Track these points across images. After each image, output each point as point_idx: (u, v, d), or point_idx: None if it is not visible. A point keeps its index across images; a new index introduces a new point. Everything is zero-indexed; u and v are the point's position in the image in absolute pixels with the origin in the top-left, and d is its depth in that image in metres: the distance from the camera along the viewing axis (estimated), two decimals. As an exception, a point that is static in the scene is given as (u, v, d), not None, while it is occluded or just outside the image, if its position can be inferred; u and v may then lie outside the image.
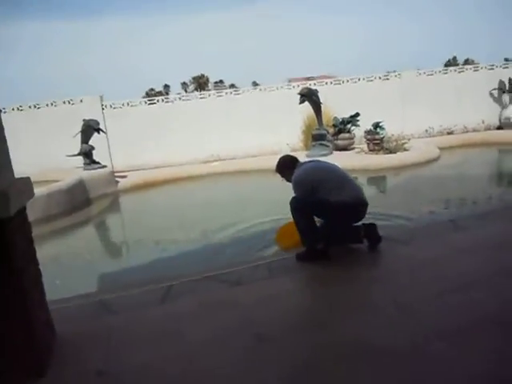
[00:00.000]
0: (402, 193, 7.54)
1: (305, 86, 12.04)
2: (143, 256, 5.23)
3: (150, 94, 75.77)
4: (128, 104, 12.50)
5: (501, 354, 2.25)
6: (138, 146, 12.29)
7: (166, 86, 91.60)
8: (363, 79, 13.04)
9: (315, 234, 3.73)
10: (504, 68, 13.29)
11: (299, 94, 10.69)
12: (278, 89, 13.07)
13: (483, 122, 13.18)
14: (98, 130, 10.18)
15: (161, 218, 7.16)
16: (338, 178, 3.80)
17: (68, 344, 2.68)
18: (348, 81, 13.03)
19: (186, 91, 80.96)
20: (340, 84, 13.00)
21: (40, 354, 2.35)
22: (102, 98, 12.34)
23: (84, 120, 10.22)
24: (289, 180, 3.98)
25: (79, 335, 2.78)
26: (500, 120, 13.03)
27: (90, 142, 10.31)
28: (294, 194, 3.81)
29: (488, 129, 13.11)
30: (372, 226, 3.88)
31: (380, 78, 13.20)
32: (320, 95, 11.01)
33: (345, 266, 3.60)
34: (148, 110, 12.56)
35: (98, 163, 10.21)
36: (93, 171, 9.68)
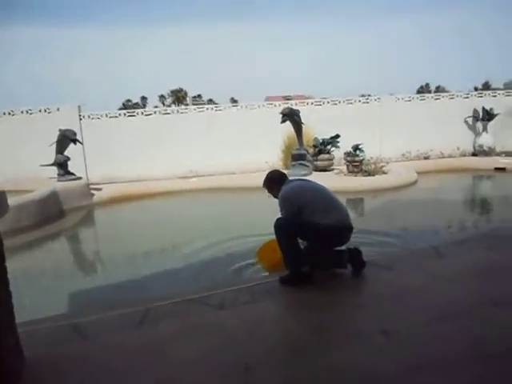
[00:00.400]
0: (380, 215, 7.57)
1: (287, 105, 12.10)
2: (118, 275, 5.01)
3: (127, 106, 75.10)
4: (107, 115, 12.28)
5: (491, 388, 2.21)
6: (114, 159, 12.05)
7: (144, 98, 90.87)
8: (343, 101, 13.22)
9: (299, 256, 3.66)
10: (478, 97, 13.73)
11: (281, 113, 10.73)
12: (259, 107, 13.11)
13: (458, 149, 13.51)
14: (75, 141, 9.93)
15: (137, 234, 6.95)
16: (325, 201, 3.74)
17: (38, 372, 2.49)
18: (329, 102, 13.18)
19: (163, 104, 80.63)
20: (321, 105, 13.13)
21: (8, 382, 2.16)
22: (80, 107, 12.09)
23: (60, 130, 9.96)
24: (275, 196, 3.92)
25: (50, 362, 2.60)
26: (474, 147, 13.38)
27: (66, 153, 10.04)
28: (277, 213, 3.75)
29: (463, 155, 13.44)
30: (356, 252, 3.83)
31: (360, 101, 13.42)
32: (301, 115, 11.09)
33: (329, 291, 3.53)
34: (127, 122, 12.36)
35: (73, 174, 9.93)
36: (67, 182, 9.40)
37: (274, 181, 4.01)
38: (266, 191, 4.10)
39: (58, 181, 9.64)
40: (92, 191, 9.71)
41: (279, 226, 3.64)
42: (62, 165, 9.90)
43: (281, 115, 10.81)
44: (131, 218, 8.48)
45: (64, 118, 11.49)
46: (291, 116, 10.76)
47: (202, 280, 4.59)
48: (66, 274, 5.40)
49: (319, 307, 3.28)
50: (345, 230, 3.71)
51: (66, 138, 9.89)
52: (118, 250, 6.12)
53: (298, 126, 11.01)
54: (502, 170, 11.33)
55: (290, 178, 4.16)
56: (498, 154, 12.96)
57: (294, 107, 11.82)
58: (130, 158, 12.13)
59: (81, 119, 11.95)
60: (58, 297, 4.33)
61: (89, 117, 12.09)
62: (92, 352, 2.71)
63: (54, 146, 9.93)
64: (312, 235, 3.66)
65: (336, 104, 13.18)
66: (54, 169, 10.01)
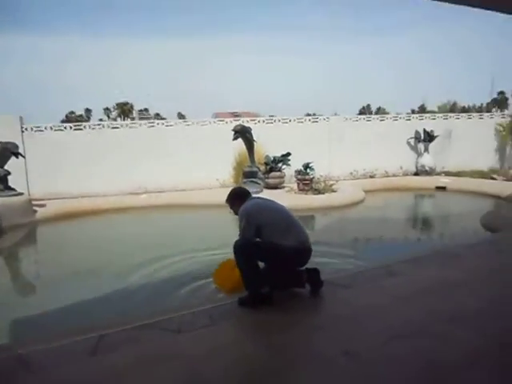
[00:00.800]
0: (332, 232, 7.69)
1: (238, 122, 12.13)
2: (64, 299, 4.66)
3: (71, 118, 72.60)
4: (51, 128, 11.73)
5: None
6: (59, 174, 11.50)
7: (88, 111, 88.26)
8: (294, 120, 13.45)
9: (259, 278, 3.61)
10: (419, 119, 14.45)
11: (233, 130, 10.74)
12: (210, 123, 13.05)
13: (401, 168, 14.09)
14: (17, 154, 9.37)
15: (83, 254, 6.58)
16: (285, 221, 3.73)
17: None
18: (279, 120, 13.37)
19: (108, 117, 78.68)
20: (272, 123, 13.29)
21: None
22: (22, 119, 11.47)
23: (0, 142, 9.37)
24: (236, 212, 3.93)
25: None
26: (416, 167, 14.02)
27: (6, 167, 9.45)
28: (227, 229, 3.75)
29: (406, 174, 14.02)
30: (314, 271, 3.83)
31: (310, 120, 13.73)
32: (252, 133, 11.16)
33: (288, 312, 3.49)
34: (73, 136, 11.87)
35: (14, 190, 9.32)
36: (7, 198, 8.79)
37: (238, 197, 4.01)
38: (228, 207, 4.08)
39: (-3, 196, 9.03)
40: (35, 208, 9.17)
41: (238, 246, 3.58)
42: (1, 179, 9.25)
43: (232, 132, 10.82)
44: (77, 237, 8.07)
45: (4, 130, 10.85)
46: (243, 133, 10.80)
47: (155, 303, 4.40)
48: (5, 298, 4.99)
49: (279, 329, 3.23)
50: (305, 251, 3.71)
51: (7, 151, 9.30)
52: (63, 271, 5.75)
53: (249, 143, 11.05)
54: (443, 188, 11.92)
55: (254, 195, 4.18)
56: (439, 174, 13.66)
57: (246, 124, 11.86)
58: (75, 173, 11.62)
59: (23, 131, 11.35)
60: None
61: (31, 129, 11.49)
62: (39, 388, 2.49)
63: (-7, 159, 9.32)
64: (271, 257, 3.63)
65: (287, 122, 13.39)
66: (-8, 184, 9.37)
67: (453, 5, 4.68)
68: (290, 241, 3.59)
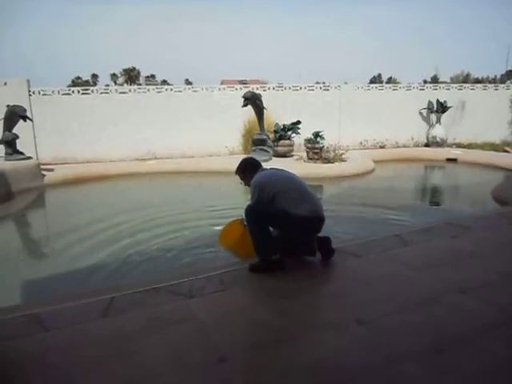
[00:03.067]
0: (342, 200, 7.65)
1: (248, 89, 11.93)
2: (75, 262, 4.74)
3: (77, 83, 71.84)
4: (59, 92, 11.61)
5: (467, 372, 2.25)
6: (67, 138, 11.49)
7: (94, 76, 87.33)
8: (304, 88, 13.21)
9: (271, 244, 3.60)
10: (433, 90, 14.12)
11: (243, 97, 10.56)
12: (219, 89, 12.86)
13: (412, 139, 13.90)
14: (25, 118, 9.32)
15: (92, 219, 6.59)
16: (298, 191, 3.68)
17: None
18: (290, 88, 13.13)
19: (115, 83, 77.79)
20: (282, 90, 13.06)
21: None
22: (29, 82, 11.35)
23: (8, 106, 9.31)
24: (247, 183, 3.88)
25: (8, 357, 2.40)
26: (427, 138, 13.82)
27: (14, 130, 9.42)
28: (236, 198, 3.71)
29: (416, 145, 13.85)
30: (326, 240, 3.81)
31: (321, 88, 13.46)
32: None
33: (300, 279, 3.49)
34: (81, 100, 11.76)
35: (22, 154, 9.34)
36: (16, 162, 8.83)
37: (248, 168, 3.93)
38: (239, 178, 4.02)
39: (6, 160, 9.05)
40: (43, 172, 9.18)
41: (250, 211, 3.56)
42: (10, 143, 9.28)
43: (242, 99, 10.66)
44: (86, 202, 8.09)
45: (12, 94, 10.77)
46: (253, 100, 10.63)
47: (167, 267, 4.44)
48: (18, 261, 5.06)
49: (290, 295, 3.24)
50: (317, 220, 3.67)
51: (15, 115, 9.26)
52: (73, 235, 5.80)
53: (259, 110, 10.89)
54: (454, 160, 11.77)
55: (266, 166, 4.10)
56: (450, 146, 13.48)
57: (256, 91, 11.67)
58: (83, 138, 11.60)
59: (30, 95, 11.25)
60: (11, 285, 4.05)
61: (39, 93, 11.38)
62: (54, 346, 2.53)
63: (1, 122, 9.28)
64: (284, 224, 3.61)
65: (297, 90, 13.15)
66: (1, 147, 9.39)
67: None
68: (303, 210, 3.55)
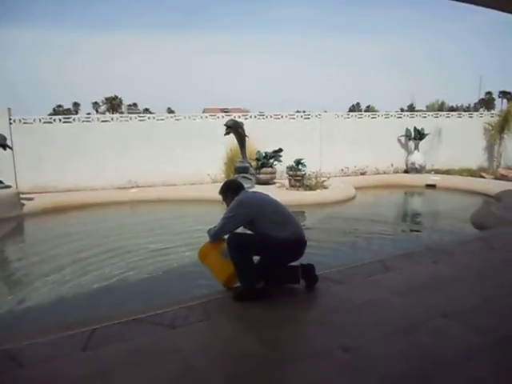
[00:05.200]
0: (324, 227, 7.67)
1: (230, 117, 12.05)
2: (53, 294, 4.60)
3: (58, 111, 71.66)
4: (40, 120, 11.55)
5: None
6: (48, 167, 11.36)
7: (76, 104, 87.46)
8: (286, 116, 13.42)
9: (254, 272, 3.57)
10: (410, 117, 14.52)
11: (225, 125, 10.65)
12: (201, 118, 12.97)
13: (392, 165, 14.15)
14: (5, 146, 9.21)
15: (72, 249, 6.47)
16: (282, 214, 3.71)
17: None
18: (271, 116, 13.32)
19: (97, 111, 77.92)
20: (264, 119, 13.24)
21: None
22: (9, 110, 11.26)
23: (-13, 134, 9.20)
24: (228, 204, 3.83)
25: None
26: (406, 164, 14.09)
27: (-7, 159, 9.30)
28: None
29: (396, 172, 14.10)
30: (310, 267, 3.80)
31: (301, 116, 13.72)
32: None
33: (283, 307, 3.45)
34: (62, 129, 11.69)
35: (1, 182, 9.16)
36: (-6, 191, 8.66)
37: (230, 189, 3.92)
38: (221, 198, 4.01)
39: (-16, 189, 8.86)
40: (22, 201, 9.00)
41: (233, 238, 3.55)
42: (-12, 172, 9.14)
43: (224, 127, 10.74)
44: (65, 231, 7.92)
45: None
46: (235, 128, 10.72)
47: (147, 298, 4.35)
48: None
49: (275, 324, 3.20)
50: (300, 243, 3.68)
51: (-5, 143, 9.15)
52: (51, 266, 5.65)
53: (241, 138, 10.98)
54: (433, 186, 11.99)
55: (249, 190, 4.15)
56: (428, 172, 13.75)
57: (238, 119, 11.80)
58: (64, 167, 11.48)
59: (11, 123, 11.14)
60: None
61: (20, 121, 11.29)
62: (30, 383, 2.43)
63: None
64: (267, 248, 3.58)
65: (278, 118, 13.35)
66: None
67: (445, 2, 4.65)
68: (286, 232, 3.56)
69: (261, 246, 3.59)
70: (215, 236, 3.73)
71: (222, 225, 3.66)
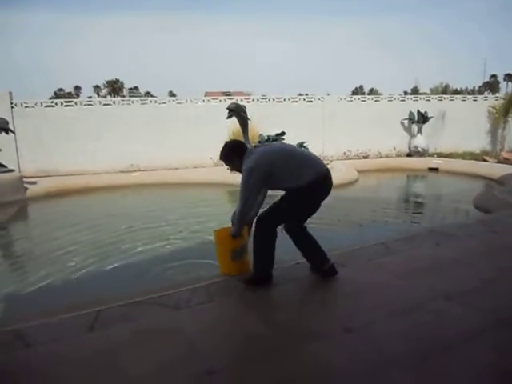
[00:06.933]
0: (327, 210, 7.67)
1: (232, 101, 11.98)
2: (58, 276, 4.64)
3: (59, 95, 71.44)
4: (42, 104, 11.52)
5: (454, 378, 2.27)
6: (50, 151, 11.37)
7: (77, 88, 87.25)
8: (288, 99, 13.34)
9: (272, 260, 3.48)
10: (414, 101, 14.39)
11: (227, 108, 10.57)
12: (204, 101, 12.91)
13: (395, 149, 14.09)
14: (7, 130, 9.20)
15: (76, 232, 6.51)
16: (298, 157, 3.41)
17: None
18: (274, 99, 13.24)
19: (98, 95, 77.66)
20: (266, 102, 13.16)
21: None
22: (11, 94, 11.22)
23: (-11, 118, 9.18)
24: (237, 168, 3.42)
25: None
26: (409, 148, 14.04)
27: (-4, 143, 9.29)
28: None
29: (399, 155, 14.04)
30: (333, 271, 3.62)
31: (304, 100, 13.62)
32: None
33: (287, 289, 3.49)
34: (64, 112, 11.66)
35: (4, 166, 9.18)
36: (-3, 175, 8.68)
37: (235, 151, 3.45)
38: (225, 164, 3.57)
39: (-13, 173, 8.89)
40: (25, 185, 9.03)
41: (264, 223, 3.35)
42: (-9, 156, 9.14)
43: (227, 110, 10.68)
44: (69, 214, 7.96)
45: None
46: (238, 111, 10.64)
47: (152, 279, 4.39)
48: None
49: (278, 306, 3.25)
50: (327, 178, 3.42)
51: (-3, 127, 9.14)
52: (56, 249, 5.69)
53: (244, 121, 10.89)
54: (435, 170, 11.96)
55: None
56: (431, 155, 13.71)
57: (241, 103, 11.73)
58: (67, 151, 11.48)
59: (13, 107, 11.12)
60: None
61: (22, 105, 11.27)
62: (37, 362, 2.47)
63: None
64: (301, 204, 3.38)
65: (281, 102, 13.27)
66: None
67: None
68: (311, 173, 3.28)
69: (294, 207, 3.37)
70: (241, 220, 3.39)
71: (244, 201, 3.28)
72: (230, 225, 3.66)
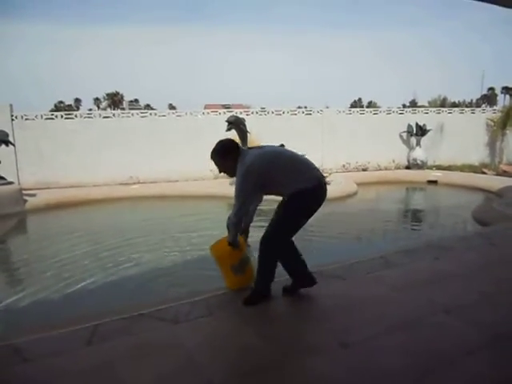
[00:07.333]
0: (327, 224, 7.68)
1: (231, 113, 12.06)
2: (56, 289, 4.63)
3: (59, 108, 71.84)
4: (42, 116, 11.58)
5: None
6: (50, 163, 11.39)
7: (77, 100, 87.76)
8: (287, 112, 13.42)
9: (273, 278, 3.44)
10: (412, 113, 14.49)
11: (227, 121, 10.66)
12: (203, 114, 12.98)
13: (394, 161, 14.15)
14: (7, 143, 9.25)
15: (74, 244, 6.51)
16: (297, 160, 3.31)
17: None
18: (273, 112, 13.32)
19: (98, 107, 78.16)
20: (265, 115, 13.24)
21: None
22: (11, 106, 11.29)
23: (-11, 130, 9.23)
24: (231, 171, 3.21)
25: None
26: (408, 160, 14.09)
27: (-4, 155, 9.32)
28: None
29: (398, 168, 14.10)
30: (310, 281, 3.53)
31: (303, 112, 13.70)
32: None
33: (284, 303, 3.48)
34: (64, 125, 11.72)
35: (4, 179, 9.20)
36: (-3, 187, 8.70)
37: (229, 150, 3.21)
38: (215, 164, 3.31)
39: (-14, 185, 8.90)
40: (25, 197, 9.05)
41: (272, 242, 3.23)
42: (-10, 168, 9.16)
43: (226, 123, 10.75)
44: (68, 227, 7.96)
45: (-6, 118, 10.70)
46: (237, 124, 10.72)
47: (150, 292, 4.39)
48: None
49: (276, 320, 3.24)
50: (325, 184, 3.37)
51: (-3, 140, 9.18)
52: (54, 261, 5.69)
53: (243, 134, 10.97)
54: (434, 182, 11.99)
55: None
56: (430, 168, 13.75)
57: (240, 115, 11.80)
58: (66, 163, 11.51)
59: (13, 120, 11.18)
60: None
61: (22, 117, 11.33)
62: (35, 377, 2.46)
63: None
64: (301, 210, 3.25)
65: (280, 114, 13.35)
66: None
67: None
68: (311, 179, 3.20)
69: (298, 214, 3.23)
70: (237, 224, 3.27)
71: (239, 204, 3.14)
72: (224, 234, 3.56)
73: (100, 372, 2.49)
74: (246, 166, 3.08)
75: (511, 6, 5.04)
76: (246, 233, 3.66)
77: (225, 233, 3.51)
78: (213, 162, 3.31)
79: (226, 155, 3.21)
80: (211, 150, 3.27)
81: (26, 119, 11.39)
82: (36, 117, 11.53)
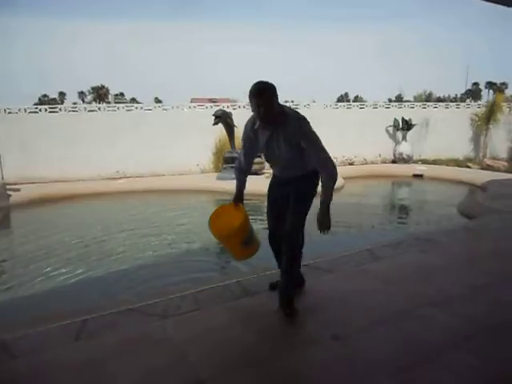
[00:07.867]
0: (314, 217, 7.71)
1: (218, 107, 12.01)
2: (42, 285, 4.59)
3: (44, 101, 70.72)
4: (25, 110, 11.37)
5: (442, 389, 2.30)
6: (34, 157, 11.18)
7: (62, 94, 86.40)
8: (274, 106, 13.37)
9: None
10: (398, 108, 14.59)
11: (214, 115, 10.62)
12: (190, 108, 12.89)
13: (380, 156, 14.25)
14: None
15: (60, 239, 6.44)
16: None
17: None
18: (260, 106, 13.26)
19: (83, 101, 77.12)
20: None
21: None
22: (-6, 100, 11.08)
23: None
24: (269, 112, 2.85)
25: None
26: (394, 155, 14.20)
27: (-23, 149, 9.14)
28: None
29: (384, 162, 14.20)
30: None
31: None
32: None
33: (274, 297, 3.47)
34: (48, 119, 11.53)
35: (-14, 173, 9.06)
36: (-21, 182, 8.53)
37: (276, 93, 2.89)
38: (256, 102, 2.86)
39: (-32, 180, 8.74)
40: (9, 192, 8.88)
41: (301, 231, 3.28)
42: (-28, 163, 8.99)
43: (213, 117, 10.71)
44: (52, 222, 7.86)
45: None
46: (224, 118, 10.69)
47: (138, 287, 4.36)
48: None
49: (266, 314, 3.23)
50: None
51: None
52: (41, 258, 5.61)
53: (230, 128, 10.96)
54: (420, 176, 12.11)
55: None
56: (416, 162, 13.89)
57: (227, 110, 11.76)
58: (51, 157, 11.31)
59: (-5, 113, 10.96)
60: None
61: (5, 111, 11.10)
62: (23, 373, 2.43)
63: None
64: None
65: (267, 108, 13.29)
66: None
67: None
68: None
69: (310, 200, 3.27)
70: (241, 167, 3.36)
71: (328, 154, 3.05)
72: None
73: (89, 367, 2.47)
74: (307, 119, 2.94)
75: (511, 5, 5.09)
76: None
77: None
78: (255, 99, 2.87)
79: (276, 96, 2.90)
80: (260, 86, 2.87)
81: (9, 112, 11.18)
82: (19, 110, 11.30)
